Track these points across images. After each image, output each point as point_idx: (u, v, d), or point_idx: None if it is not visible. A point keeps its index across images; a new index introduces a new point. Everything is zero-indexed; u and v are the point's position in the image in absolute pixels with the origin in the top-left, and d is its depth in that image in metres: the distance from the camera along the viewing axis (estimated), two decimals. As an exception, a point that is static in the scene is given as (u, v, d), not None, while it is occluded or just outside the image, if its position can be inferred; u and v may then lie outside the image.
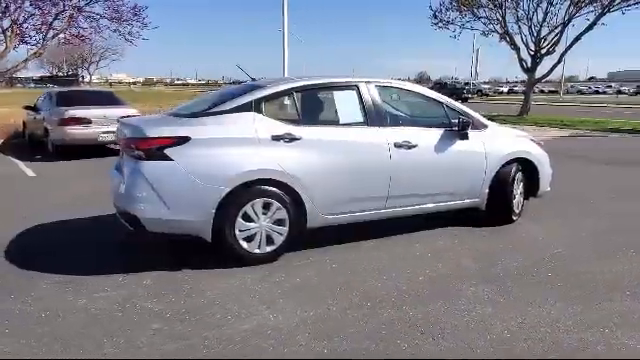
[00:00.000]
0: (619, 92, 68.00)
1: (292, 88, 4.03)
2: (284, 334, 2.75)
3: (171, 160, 3.52)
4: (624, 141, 13.05)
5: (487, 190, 4.75)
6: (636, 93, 59.69)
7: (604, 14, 16.33)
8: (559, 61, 17.88)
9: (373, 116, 4.21)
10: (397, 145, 4.21)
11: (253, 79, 4.69)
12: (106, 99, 10.83)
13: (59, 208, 5.50)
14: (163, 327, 2.83)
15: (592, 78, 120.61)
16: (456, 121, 4.54)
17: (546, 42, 17.64)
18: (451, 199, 4.63)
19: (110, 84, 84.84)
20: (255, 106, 3.86)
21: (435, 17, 19.42)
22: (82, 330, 2.79)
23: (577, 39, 17.16)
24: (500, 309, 3.05)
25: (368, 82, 4.33)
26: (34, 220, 4.97)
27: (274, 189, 3.76)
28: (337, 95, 4.23)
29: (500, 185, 4.76)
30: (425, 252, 4.10)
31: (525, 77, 19.52)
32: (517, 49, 18.25)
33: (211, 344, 2.64)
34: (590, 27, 16.75)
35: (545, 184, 5.17)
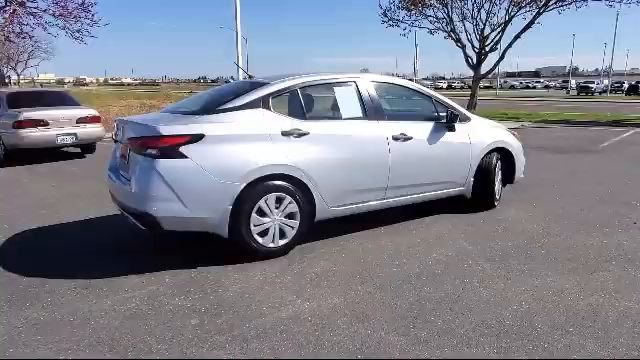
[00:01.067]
0: (547, 87, 72.90)
1: (297, 84, 4.13)
2: (324, 319, 2.87)
3: (186, 158, 3.52)
4: (567, 131, 14.09)
5: (472, 178, 5.08)
6: (562, 87, 64.10)
7: (540, 14, 17.59)
8: (502, 57, 19.06)
9: (371, 110, 4.40)
10: (394, 138, 4.43)
11: (250, 76, 4.73)
12: (60, 99, 10.28)
13: (39, 214, 5.26)
14: (203, 321, 2.87)
15: (521, 74, 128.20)
16: (444, 114, 4.84)
17: (489, 40, 18.71)
18: (442, 188, 4.91)
19: (41, 85, 79.56)
20: (264, 102, 3.93)
21: (385, 15, 20.04)
22: (121, 330, 2.77)
23: (517, 37, 18.34)
24: (511, 284, 3.34)
25: (364, 78, 4.51)
26: (20, 226, 4.74)
27: (286, 184, 3.86)
28: (338, 91, 4.38)
29: (484, 173, 5.11)
30: (425, 238, 4.35)
31: (461, 73, 20.44)
32: (463, 46, 19.20)
33: (257, 333, 2.72)
34: (528, 26, 17.97)
35: (520, 171, 5.59)
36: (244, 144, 3.73)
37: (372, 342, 2.61)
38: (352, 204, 4.30)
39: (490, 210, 5.22)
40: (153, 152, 3.52)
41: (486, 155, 5.12)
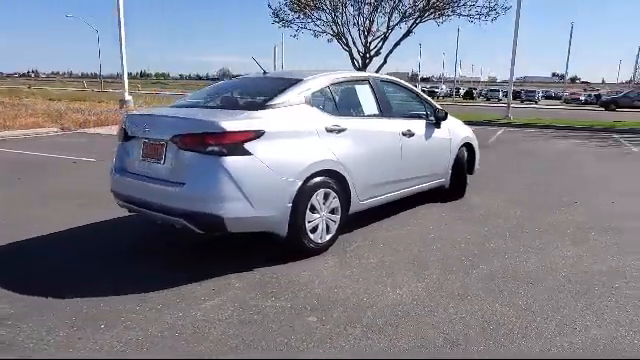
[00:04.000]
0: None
1: (328, 81, 4.20)
2: (428, 301, 3.07)
3: (251, 155, 3.38)
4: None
5: (450, 170, 5.67)
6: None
7: (417, 24, 19.64)
8: (384, 62, 20.71)
9: (384, 108, 4.67)
10: (403, 134, 4.76)
11: (265, 72, 4.61)
12: None
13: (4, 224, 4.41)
14: (320, 318, 2.85)
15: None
16: (432, 111, 5.33)
17: (374, 45, 20.25)
18: (431, 180, 5.39)
19: None
20: (306, 99, 3.92)
21: (277, 16, 20.24)
22: (248, 336, 2.62)
23: (397, 44, 20.20)
24: (542, 256, 3.92)
25: (373, 76, 4.77)
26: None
27: (330, 179, 3.91)
28: (358, 88, 4.55)
29: (458, 165, 5.74)
30: (436, 226, 4.76)
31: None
32: (349, 50, 20.44)
33: (385, 321, 2.80)
34: (406, 34, 19.91)
35: (477, 163, 6.37)
36: (298, 140, 3.71)
37: (489, 314, 2.91)
38: (375, 197, 4.51)
39: (461, 199, 5.86)
40: (217, 149, 3.30)
41: (459, 149, 5.76)
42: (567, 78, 74.94)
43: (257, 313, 2.90)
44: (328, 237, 3.97)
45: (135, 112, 4.19)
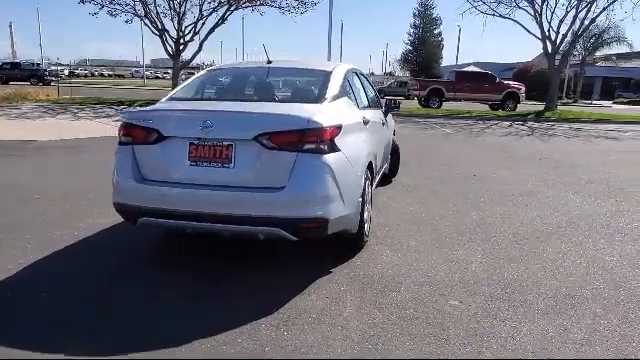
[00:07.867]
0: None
1: (347, 73, 4.17)
2: (505, 266, 3.56)
3: (340, 151, 3.22)
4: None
5: (390, 156, 6.22)
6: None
7: (231, 12, 19.40)
8: (199, 49, 19.86)
9: (370, 99, 4.93)
10: (382, 123, 5.08)
11: (270, 61, 4.19)
12: None
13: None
14: (459, 299, 3.03)
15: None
16: (384, 102, 5.74)
17: (188, 31, 19.16)
18: (385, 164, 5.83)
19: None
20: (343, 92, 3.85)
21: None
22: (429, 330, 2.64)
23: (211, 31, 19.58)
24: (513, 218, 4.82)
25: (356, 69, 4.90)
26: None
27: (369, 171, 3.97)
28: (356, 80, 4.60)
29: (394, 150, 6.35)
30: (409, 206, 5.26)
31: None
32: (161, 34, 18.82)
33: (508, 288, 3.18)
34: (219, 23, 19.47)
35: (394, 147, 7.08)
36: (357, 134, 3.70)
37: (553, 263, 3.59)
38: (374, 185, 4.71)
39: (394, 182, 6.47)
40: (314, 147, 3.06)
41: (393, 135, 6.35)
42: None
43: (403, 309, 2.89)
44: (368, 228, 4.03)
45: (170, 107, 3.36)
